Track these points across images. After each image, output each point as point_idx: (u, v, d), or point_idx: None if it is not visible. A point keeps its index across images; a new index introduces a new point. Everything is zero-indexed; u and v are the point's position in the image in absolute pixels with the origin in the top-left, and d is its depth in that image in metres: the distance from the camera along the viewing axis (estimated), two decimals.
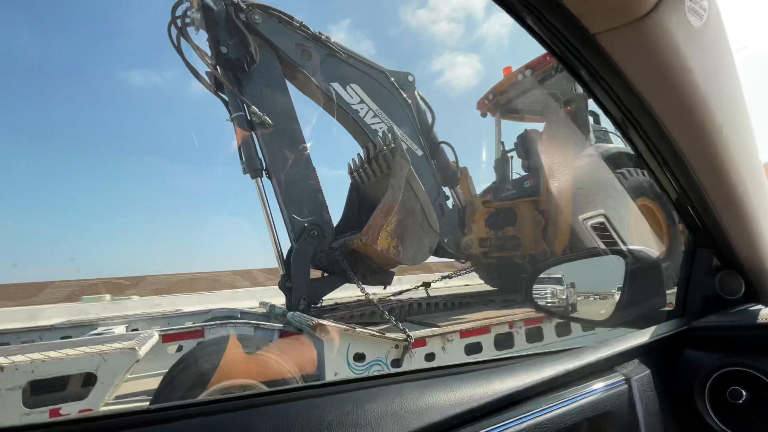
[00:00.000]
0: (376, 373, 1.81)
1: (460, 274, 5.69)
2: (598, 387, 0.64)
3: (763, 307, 0.79)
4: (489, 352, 2.99)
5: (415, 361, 2.66)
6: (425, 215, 3.83)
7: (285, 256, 3.85)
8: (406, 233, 3.69)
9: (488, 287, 5.90)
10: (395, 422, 0.46)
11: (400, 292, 5.78)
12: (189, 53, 3.83)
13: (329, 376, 2.39)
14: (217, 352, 2.23)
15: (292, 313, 3.24)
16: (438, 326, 2.94)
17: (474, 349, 2.99)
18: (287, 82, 4.31)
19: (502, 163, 6.13)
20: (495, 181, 6.09)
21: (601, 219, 5.02)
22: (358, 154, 4.34)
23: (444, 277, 5.79)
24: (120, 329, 3.60)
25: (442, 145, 4.99)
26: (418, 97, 4.87)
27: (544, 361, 0.65)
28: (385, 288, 4.24)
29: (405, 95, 4.67)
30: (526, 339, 3.22)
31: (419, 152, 4.60)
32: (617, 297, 1.00)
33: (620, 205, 4.39)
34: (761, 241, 0.78)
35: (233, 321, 2.84)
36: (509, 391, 0.56)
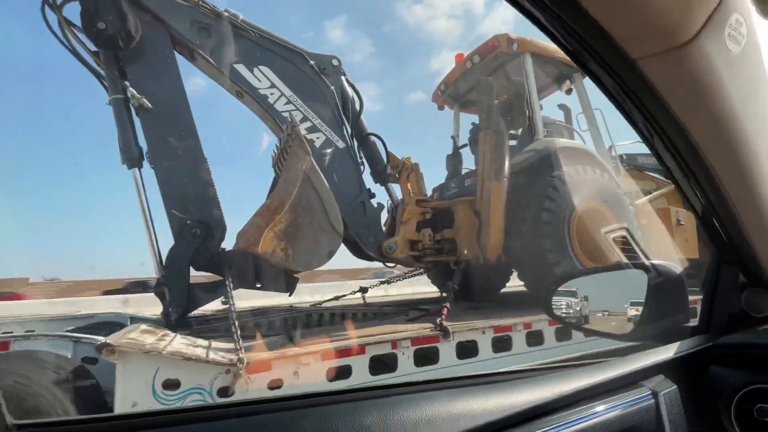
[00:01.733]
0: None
1: (399, 280, 5.20)
2: (624, 401, 0.63)
3: None
4: (360, 378, 2.51)
5: (255, 390, 2.21)
6: (327, 214, 3.37)
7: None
8: (299, 234, 3.23)
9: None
10: (427, 428, 0.47)
11: (336, 298, 5.32)
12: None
13: (124, 407, 1.95)
14: None
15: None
16: (296, 345, 2.48)
17: (344, 373, 2.52)
18: (197, 65, 3.91)
19: (452, 159, 5.62)
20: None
21: (623, 233, 4.67)
22: (276, 145, 3.91)
23: (382, 283, 5.31)
24: None
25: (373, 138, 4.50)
26: (345, 84, 4.40)
27: (570, 373, 0.65)
28: (290, 295, 3.79)
29: (328, 81, 4.21)
30: (415, 362, 2.73)
31: (341, 144, 4.13)
32: (640, 311, 0.99)
33: (560, 207, 3.86)
34: None
35: (48, 334, 2.42)
36: (537, 402, 0.56)
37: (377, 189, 4.68)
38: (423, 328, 2.88)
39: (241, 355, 2.17)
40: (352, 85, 4.50)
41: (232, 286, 3.08)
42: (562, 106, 5.65)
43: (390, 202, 4.69)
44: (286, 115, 3.92)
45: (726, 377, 0.75)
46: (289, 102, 3.95)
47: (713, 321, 0.88)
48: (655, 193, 5.61)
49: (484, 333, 3.03)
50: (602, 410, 0.60)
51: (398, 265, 4.93)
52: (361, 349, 2.57)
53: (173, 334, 2.55)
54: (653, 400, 0.65)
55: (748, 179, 0.67)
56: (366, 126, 4.52)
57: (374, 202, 4.26)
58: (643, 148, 7.15)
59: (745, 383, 0.71)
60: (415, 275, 5.31)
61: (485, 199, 4.00)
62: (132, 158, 3.31)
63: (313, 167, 3.32)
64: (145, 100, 3.27)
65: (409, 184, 5.23)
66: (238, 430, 0.43)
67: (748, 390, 0.70)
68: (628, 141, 6.18)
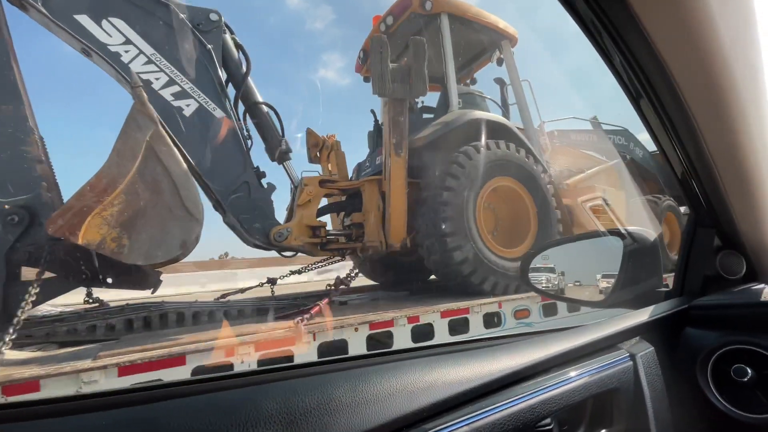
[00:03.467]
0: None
1: (308, 269, 4.72)
2: (603, 364, 0.64)
3: (766, 285, 0.80)
4: None
5: None
6: (179, 196, 2.81)
7: None
8: (140, 220, 2.67)
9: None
10: (405, 398, 0.46)
11: (242, 290, 4.80)
12: None
13: None
14: None
15: None
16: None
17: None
18: (31, 15, 3.18)
19: (373, 135, 5.11)
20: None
21: (599, 201, 4.54)
22: None
23: (293, 273, 4.82)
24: None
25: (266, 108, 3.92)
26: (230, 43, 3.78)
27: (549, 338, 0.65)
28: (153, 292, 3.24)
29: (204, 39, 3.57)
30: None
31: (219, 113, 3.53)
32: (615, 278, 0.99)
33: (464, 186, 3.44)
34: (766, 221, 0.78)
35: None
36: (517, 368, 0.56)
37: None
38: (278, 329, 2.43)
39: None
40: (239, 46, 3.88)
41: (36, 283, 2.52)
42: (498, 80, 5.23)
43: (292, 184, 4.16)
44: (149, 78, 3.29)
45: (701, 338, 0.76)
46: (150, 62, 3.30)
47: (688, 283, 0.89)
48: (589, 172, 5.34)
49: (357, 330, 2.62)
50: (581, 373, 0.61)
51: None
52: (181, 360, 2.09)
53: None
54: (631, 362, 0.66)
55: (732, 135, 0.65)
56: (257, 93, 3.93)
57: (268, 182, 3.74)
58: (577, 125, 6.94)
59: (721, 344, 0.72)
60: (333, 263, 4.83)
61: (387, 177, 3.54)
62: None
63: (160, 137, 2.74)
64: None
65: (329, 165, 4.73)
66: (198, 408, 0.41)
67: (725, 351, 0.71)
68: (564, 117, 5.89)
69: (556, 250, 1.18)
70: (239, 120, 3.70)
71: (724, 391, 0.70)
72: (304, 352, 2.40)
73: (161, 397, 0.43)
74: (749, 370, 0.68)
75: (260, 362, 2.27)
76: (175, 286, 6.40)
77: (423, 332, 2.86)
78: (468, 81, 5.76)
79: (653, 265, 0.95)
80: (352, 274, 3.55)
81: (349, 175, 4.71)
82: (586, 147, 5.51)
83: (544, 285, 1.16)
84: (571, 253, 1.18)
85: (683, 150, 0.72)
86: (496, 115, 3.98)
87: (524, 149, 3.99)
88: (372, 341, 2.66)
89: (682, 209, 5.79)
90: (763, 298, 0.73)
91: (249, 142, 3.74)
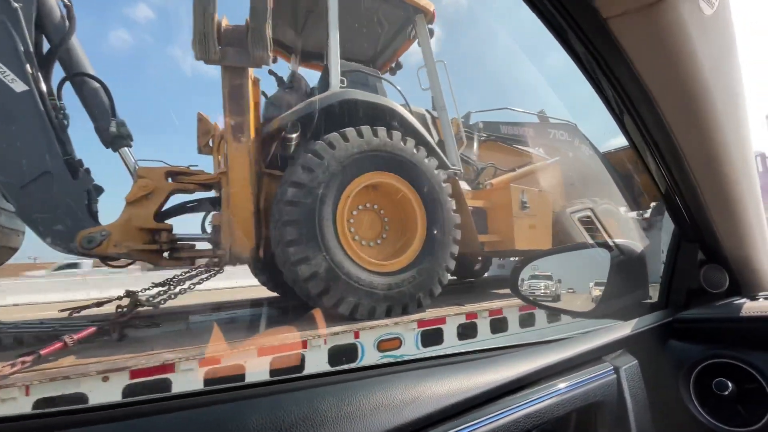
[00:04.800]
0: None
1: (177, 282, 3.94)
2: (587, 377, 0.65)
3: (747, 300, 0.81)
4: None
5: None
6: None
7: None
8: None
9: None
10: (389, 412, 0.46)
11: (98, 304, 4.01)
12: None
13: None
14: None
15: None
16: None
17: None
18: None
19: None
20: None
21: (587, 213, 4.32)
22: None
23: (155, 285, 4.02)
24: None
25: (93, 83, 3.15)
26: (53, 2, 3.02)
27: (535, 351, 0.66)
28: None
29: None
30: None
31: (19, 86, 2.77)
32: (601, 289, 1.00)
33: (318, 182, 2.72)
34: (748, 236, 0.80)
35: None
36: (502, 381, 0.56)
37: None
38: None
39: None
40: (67, 6, 3.12)
41: None
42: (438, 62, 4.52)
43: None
44: None
45: (685, 351, 0.77)
46: None
47: (672, 297, 0.91)
48: (520, 170, 4.65)
49: (106, 380, 1.87)
50: (566, 387, 0.61)
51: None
52: None
53: None
54: (615, 375, 0.67)
55: (712, 154, 0.67)
56: (85, 62, 3.17)
57: (85, 173, 2.98)
58: (508, 117, 6.25)
59: (703, 357, 0.74)
60: (210, 274, 4.04)
61: (226, 168, 2.81)
62: None
63: None
64: None
65: (220, 157, 3.98)
66: (182, 424, 0.41)
67: (707, 364, 0.73)
68: (495, 108, 5.22)
69: (544, 261, 1.17)
70: (52, 95, 2.94)
71: (706, 404, 0.72)
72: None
73: (145, 413, 0.43)
74: (730, 384, 0.70)
75: None
76: None
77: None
78: (392, 66, 5.07)
79: (639, 277, 0.97)
80: (168, 288, 2.81)
81: None
82: (520, 142, 4.83)
83: (539, 293, 1.15)
84: (558, 264, 1.19)
85: (666, 167, 0.74)
86: (381, 97, 3.26)
87: (418, 140, 3.28)
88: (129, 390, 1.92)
89: (626, 210, 5.14)
90: (743, 313, 0.76)
91: (66, 122, 2.99)
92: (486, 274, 6.72)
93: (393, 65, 5.07)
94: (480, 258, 6.25)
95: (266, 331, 2.80)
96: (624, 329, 0.76)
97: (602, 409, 0.63)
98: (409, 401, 0.48)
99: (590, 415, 0.62)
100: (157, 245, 3.11)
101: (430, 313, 2.90)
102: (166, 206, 3.37)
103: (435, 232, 3.14)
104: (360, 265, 2.78)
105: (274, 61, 4.70)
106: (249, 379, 2.15)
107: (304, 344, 2.38)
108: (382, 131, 3.01)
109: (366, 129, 2.94)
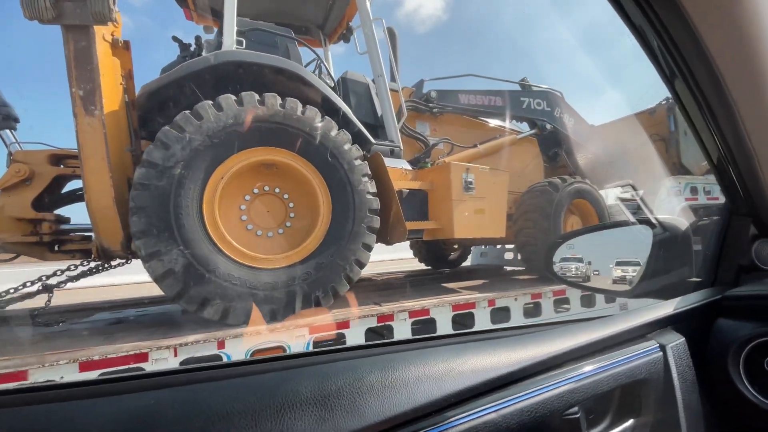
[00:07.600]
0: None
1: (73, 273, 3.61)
2: (631, 354, 0.63)
3: None
4: None
5: None
6: None
7: None
8: None
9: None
10: (433, 384, 0.46)
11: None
12: None
13: None
14: None
15: None
16: None
17: None
18: None
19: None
20: None
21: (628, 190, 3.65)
22: None
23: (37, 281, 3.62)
24: None
25: None
26: None
27: (577, 328, 0.64)
28: None
29: None
30: None
31: None
32: (643, 268, 0.96)
33: (175, 164, 2.27)
34: None
35: None
36: (545, 356, 0.56)
37: None
38: None
39: None
40: None
41: None
42: (389, 30, 3.93)
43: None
44: None
45: (735, 329, 0.74)
46: None
47: (721, 274, 0.87)
48: (481, 147, 4.00)
49: None
50: (610, 363, 0.60)
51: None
52: None
53: None
54: (661, 353, 0.65)
55: None
56: None
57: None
58: (470, 84, 5.43)
59: (755, 335, 0.70)
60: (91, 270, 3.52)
61: (78, 147, 2.40)
62: None
63: None
64: None
65: None
66: (237, 390, 0.42)
67: (759, 342, 0.69)
68: (454, 75, 4.54)
69: (580, 239, 1.11)
70: None
71: (757, 383, 0.69)
72: None
73: (202, 379, 0.44)
74: None
75: None
76: None
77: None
78: (344, 32, 4.48)
79: (684, 255, 0.93)
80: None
81: None
82: (484, 114, 4.14)
83: (570, 275, 1.09)
84: (595, 243, 1.12)
85: (720, 134, 0.70)
86: (278, 58, 2.73)
87: (329, 111, 2.74)
88: None
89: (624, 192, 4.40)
90: None
91: None
92: (468, 263, 6.14)
93: (345, 31, 4.48)
94: (456, 246, 5.66)
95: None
96: (669, 307, 0.74)
97: (647, 387, 0.62)
98: (452, 374, 0.48)
99: (635, 392, 0.62)
100: (38, 237, 2.80)
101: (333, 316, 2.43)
102: (61, 193, 3.06)
103: (342, 219, 2.63)
104: (235, 260, 2.33)
105: (210, 31, 4.27)
106: None
107: (144, 357, 1.98)
108: (272, 98, 2.50)
109: (248, 95, 2.43)
